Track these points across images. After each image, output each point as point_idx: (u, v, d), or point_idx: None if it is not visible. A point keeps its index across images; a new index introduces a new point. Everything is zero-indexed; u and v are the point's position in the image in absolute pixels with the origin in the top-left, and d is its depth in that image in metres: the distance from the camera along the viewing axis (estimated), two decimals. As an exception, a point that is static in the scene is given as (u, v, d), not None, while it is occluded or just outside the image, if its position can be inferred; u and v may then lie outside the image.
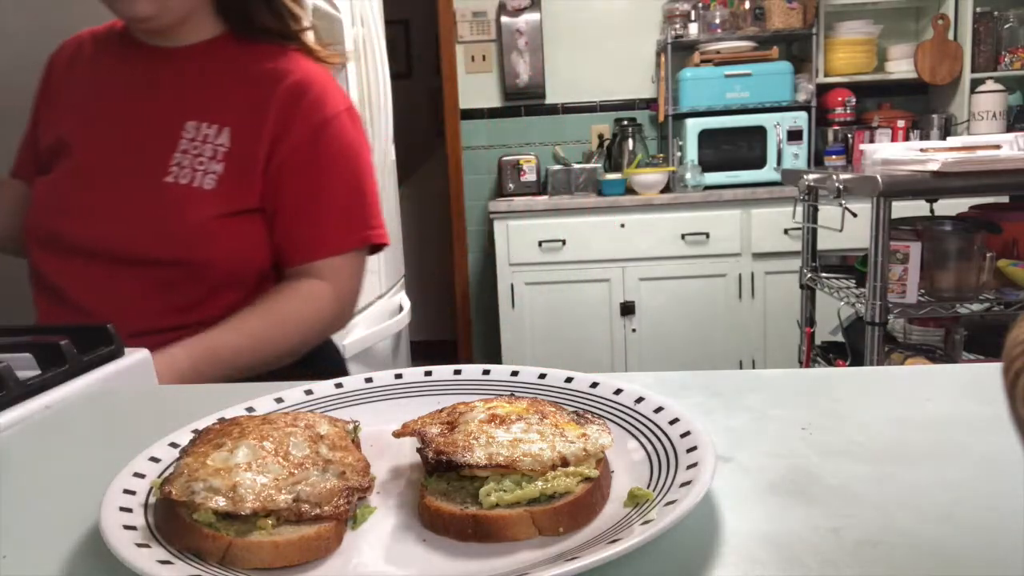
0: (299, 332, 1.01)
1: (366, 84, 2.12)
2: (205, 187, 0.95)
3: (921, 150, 1.69)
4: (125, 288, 0.96)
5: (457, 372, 0.60)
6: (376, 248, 1.09)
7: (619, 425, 0.49)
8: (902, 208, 1.77)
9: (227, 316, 0.97)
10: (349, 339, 1.80)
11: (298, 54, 1.04)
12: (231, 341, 0.95)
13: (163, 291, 0.96)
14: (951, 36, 3.19)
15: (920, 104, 3.43)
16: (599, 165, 3.32)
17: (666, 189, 3.14)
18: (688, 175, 3.14)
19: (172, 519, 0.38)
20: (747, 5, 3.25)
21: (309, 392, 0.57)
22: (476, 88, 3.57)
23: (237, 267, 0.98)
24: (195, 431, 0.48)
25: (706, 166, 3.15)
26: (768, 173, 3.14)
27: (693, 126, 3.16)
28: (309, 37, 1.07)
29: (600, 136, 3.52)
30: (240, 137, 0.97)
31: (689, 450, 0.42)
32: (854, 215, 1.70)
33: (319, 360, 1.09)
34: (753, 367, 3.07)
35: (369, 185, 1.06)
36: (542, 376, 0.57)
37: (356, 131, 1.05)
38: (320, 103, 1.00)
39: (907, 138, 3.21)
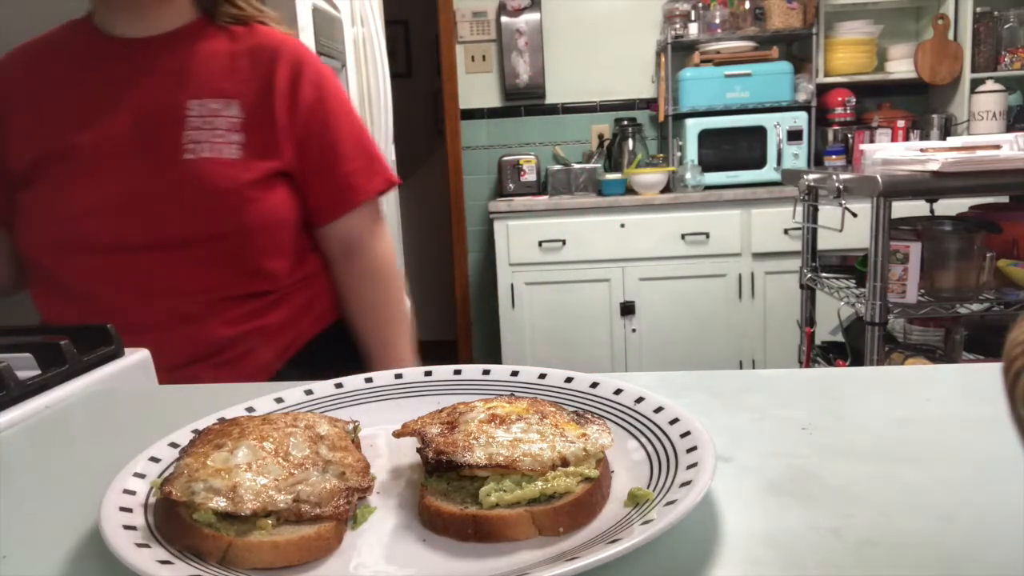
0: (397, 286, 1.15)
1: (366, 84, 2.11)
2: (230, 156, 0.98)
3: (921, 150, 1.69)
4: (163, 275, 0.97)
5: (457, 372, 0.60)
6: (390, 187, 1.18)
7: (619, 425, 0.49)
8: (902, 208, 1.77)
9: (271, 288, 1.03)
10: (349, 339, 1.80)
11: (271, 29, 1.10)
12: (399, 349, 1.11)
13: (204, 270, 0.98)
14: (951, 36, 3.18)
15: (920, 104, 3.43)
16: (599, 165, 3.32)
17: (666, 189, 3.14)
18: (688, 175, 3.13)
19: (172, 519, 0.38)
20: (747, 5, 3.25)
21: (309, 392, 0.57)
22: (476, 88, 3.57)
23: (273, 232, 1.02)
24: (195, 431, 0.48)
25: (706, 166, 3.15)
26: (768, 173, 3.14)
27: (693, 126, 3.16)
28: (270, 19, 1.13)
29: (600, 136, 3.51)
30: (251, 107, 1.01)
31: (689, 450, 0.42)
32: (854, 215, 1.70)
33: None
34: (753, 367, 3.07)
35: (369, 133, 1.15)
36: (542, 376, 0.57)
37: (342, 88, 1.14)
38: (316, 66, 1.07)
39: (907, 138, 3.21)
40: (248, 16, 1.08)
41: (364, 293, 1.11)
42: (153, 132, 0.99)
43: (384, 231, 1.14)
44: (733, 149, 3.16)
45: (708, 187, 3.12)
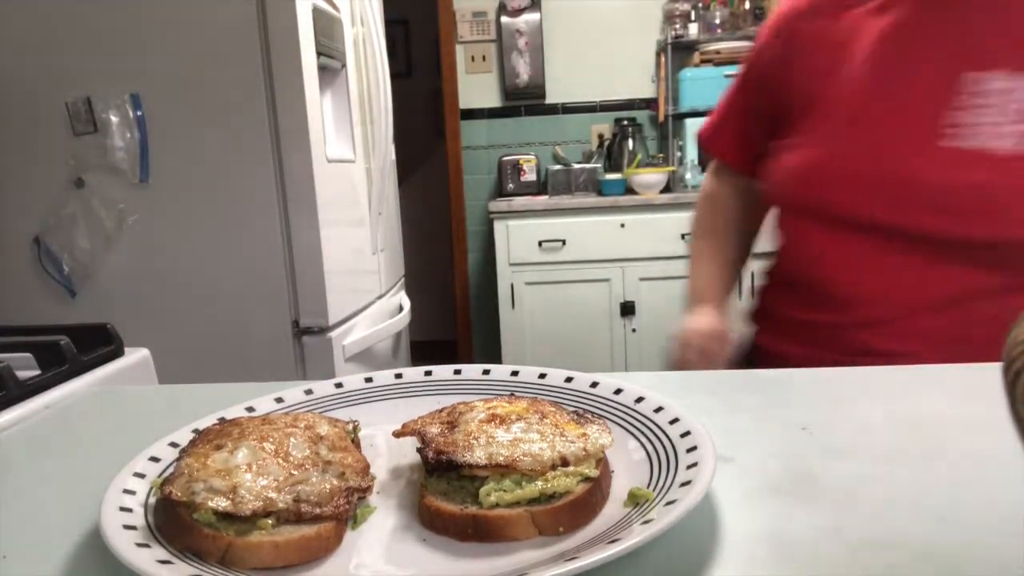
0: None
1: (366, 84, 2.11)
2: (999, 150, 0.79)
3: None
4: (894, 261, 0.85)
5: (457, 372, 0.60)
6: None
7: (619, 425, 0.49)
8: (902, 208, 1.76)
9: None
10: (349, 339, 1.80)
11: None
12: None
13: (943, 265, 0.83)
14: (951, 36, 3.18)
15: (920, 104, 3.43)
16: (599, 165, 3.31)
17: (666, 189, 3.14)
18: (688, 175, 3.13)
19: (172, 519, 0.38)
20: (747, 5, 3.25)
21: (309, 392, 0.57)
22: (476, 88, 3.57)
23: None
24: (195, 431, 0.48)
25: (706, 166, 3.15)
26: (768, 173, 3.14)
27: (693, 126, 3.16)
28: None
29: (600, 136, 3.51)
30: None
31: (689, 450, 0.42)
32: (854, 215, 1.70)
33: None
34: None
35: None
36: (542, 376, 0.57)
37: None
38: None
39: (907, 138, 3.21)
40: None
41: None
42: (913, 106, 0.84)
43: None
44: (733, 149, 3.16)
45: (708, 187, 3.12)
